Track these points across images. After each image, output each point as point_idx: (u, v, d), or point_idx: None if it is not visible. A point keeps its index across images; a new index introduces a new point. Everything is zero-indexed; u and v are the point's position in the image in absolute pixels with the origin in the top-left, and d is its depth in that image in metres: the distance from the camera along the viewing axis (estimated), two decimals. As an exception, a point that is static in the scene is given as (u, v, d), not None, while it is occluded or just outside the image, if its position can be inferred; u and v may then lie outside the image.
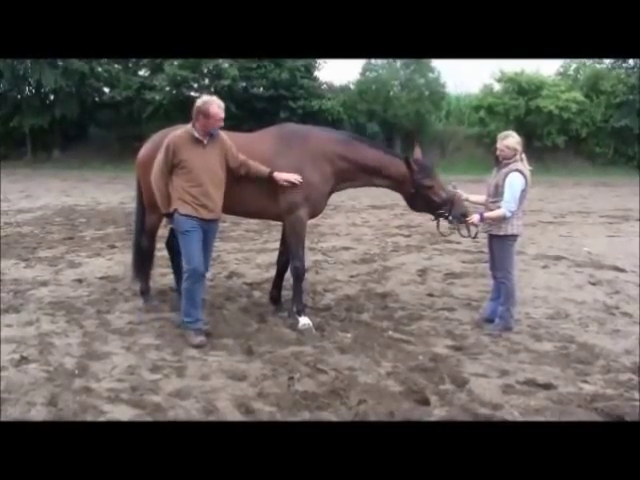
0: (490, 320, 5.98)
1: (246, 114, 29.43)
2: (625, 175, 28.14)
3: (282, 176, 5.62)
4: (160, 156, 5.34)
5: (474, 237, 6.02)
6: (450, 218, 5.85)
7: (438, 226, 6.15)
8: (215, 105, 5.25)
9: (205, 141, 5.32)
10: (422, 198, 5.87)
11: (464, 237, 6.12)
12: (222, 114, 5.29)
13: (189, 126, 5.35)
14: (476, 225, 5.93)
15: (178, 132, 5.37)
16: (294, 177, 5.63)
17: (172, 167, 5.30)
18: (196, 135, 5.29)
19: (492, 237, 5.90)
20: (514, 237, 5.84)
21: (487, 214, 5.77)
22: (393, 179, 5.96)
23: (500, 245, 5.84)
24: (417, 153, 6.00)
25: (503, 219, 5.68)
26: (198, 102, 5.31)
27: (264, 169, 5.60)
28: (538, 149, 30.18)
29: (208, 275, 6.24)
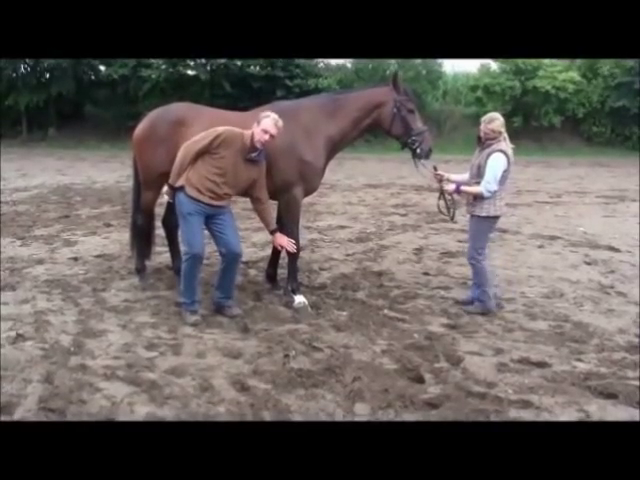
0: (469, 302, 5.99)
1: (242, 93, 29.22)
2: (622, 156, 28.04)
3: (280, 241, 5.73)
4: (205, 138, 5.25)
5: (452, 218, 6.08)
6: (418, 151, 5.88)
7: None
8: (270, 119, 5.23)
9: (251, 155, 5.29)
10: (402, 120, 5.90)
11: (444, 215, 6.14)
12: (273, 130, 5.21)
13: (248, 132, 5.30)
14: (451, 194, 5.94)
15: (237, 130, 5.32)
16: (289, 245, 5.73)
17: (206, 152, 5.25)
18: (247, 143, 5.27)
19: (473, 217, 5.84)
20: (495, 219, 5.81)
21: (464, 187, 5.76)
22: (378, 106, 5.97)
23: (478, 224, 5.78)
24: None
25: (480, 198, 5.64)
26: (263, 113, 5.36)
27: (272, 224, 5.72)
28: (535, 129, 30.08)
29: (206, 254, 6.22)
